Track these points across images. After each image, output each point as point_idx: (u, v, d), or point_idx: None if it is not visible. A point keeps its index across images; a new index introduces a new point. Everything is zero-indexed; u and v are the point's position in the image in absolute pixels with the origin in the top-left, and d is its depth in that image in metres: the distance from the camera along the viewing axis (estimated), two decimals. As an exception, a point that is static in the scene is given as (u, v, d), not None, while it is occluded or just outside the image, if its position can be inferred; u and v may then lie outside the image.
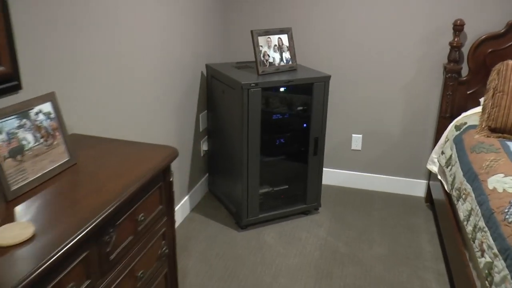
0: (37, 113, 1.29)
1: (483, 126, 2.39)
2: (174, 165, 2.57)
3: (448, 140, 2.58)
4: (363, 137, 3.14)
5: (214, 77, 2.74)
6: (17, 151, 1.21)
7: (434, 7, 2.76)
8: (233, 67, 2.73)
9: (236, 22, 3.09)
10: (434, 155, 2.76)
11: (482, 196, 1.86)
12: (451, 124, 2.66)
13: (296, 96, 2.62)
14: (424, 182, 3.11)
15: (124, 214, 1.26)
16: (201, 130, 2.94)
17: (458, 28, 2.65)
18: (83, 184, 1.29)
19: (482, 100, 2.58)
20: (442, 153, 2.60)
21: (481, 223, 1.76)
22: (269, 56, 2.56)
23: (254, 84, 2.37)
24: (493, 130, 2.36)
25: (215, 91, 2.77)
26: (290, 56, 2.66)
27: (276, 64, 2.60)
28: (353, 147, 3.18)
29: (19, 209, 1.14)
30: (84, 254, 1.10)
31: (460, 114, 2.71)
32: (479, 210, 1.82)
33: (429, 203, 3.04)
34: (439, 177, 2.63)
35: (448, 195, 2.42)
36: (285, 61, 2.64)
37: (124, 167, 1.38)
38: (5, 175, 1.16)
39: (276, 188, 2.75)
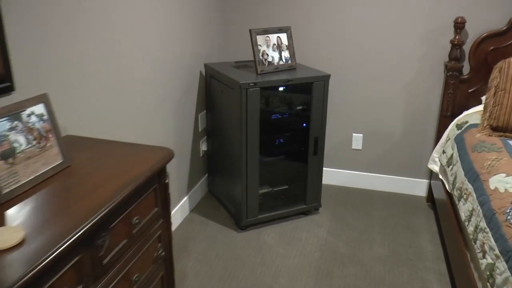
0: (29, 115, 1.28)
1: (484, 125, 2.36)
2: (172, 166, 2.58)
3: (449, 139, 2.55)
4: (363, 137, 3.11)
5: (213, 77, 2.72)
6: (9, 154, 1.19)
7: (434, 4, 2.73)
8: (232, 66, 2.70)
9: (235, 21, 3.06)
10: (435, 154, 2.73)
11: (483, 196, 1.83)
12: (452, 123, 2.63)
13: (295, 95, 2.60)
14: (425, 181, 3.08)
15: (118, 217, 1.24)
16: (200, 130, 2.92)
17: (459, 26, 2.62)
18: (76, 187, 1.27)
19: (483, 98, 2.55)
20: (443, 152, 2.57)
21: (483, 224, 1.73)
22: (268, 55, 2.54)
23: (252, 84, 2.35)
24: (494, 129, 2.33)
25: (214, 90, 2.75)
26: (289, 55, 2.64)
27: (275, 63, 2.57)
28: (354, 146, 3.15)
29: (10, 212, 1.12)
30: (76, 259, 1.08)
31: (461, 113, 2.68)
32: (481, 210, 1.79)
33: (430, 203, 3.01)
34: (440, 176, 2.61)
35: (449, 195, 2.39)
36: (284, 60, 2.61)
37: (119, 169, 1.36)
38: (-4, 178, 1.14)
39: (275, 189, 2.72)
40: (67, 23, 1.63)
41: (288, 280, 2.25)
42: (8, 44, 1.36)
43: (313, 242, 2.57)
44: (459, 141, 2.39)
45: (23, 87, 1.43)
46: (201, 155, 2.98)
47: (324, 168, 2.96)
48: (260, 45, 2.50)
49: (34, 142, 1.28)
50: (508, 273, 1.43)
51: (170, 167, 2.52)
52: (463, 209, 2.01)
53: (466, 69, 2.74)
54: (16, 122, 1.23)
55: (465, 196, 2.03)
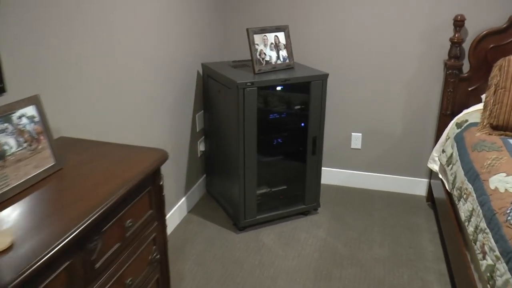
0: (20, 117, 1.25)
1: (484, 123, 2.33)
2: (170, 166, 2.56)
3: (449, 138, 2.53)
4: (362, 136, 3.09)
5: (210, 77, 2.70)
6: (-1, 157, 1.17)
7: (434, 3, 2.70)
8: (229, 66, 2.68)
9: (233, 21, 3.04)
10: (434, 153, 2.71)
11: (483, 196, 1.81)
12: (452, 122, 2.61)
13: (293, 95, 2.57)
14: (425, 180, 3.06)
15: (110, 221, 1.22)
16: (197, 130, 2.90)
17: (458, 23, 2.59)
18: (68, 190, 1.25)
19: (483, 96, 2.52)
20: (443, 151, 2.55)
21: (483, 224, 1.71)
22: (265, 54, 2.51)
23: (250, 83, 2.32)
24: (495, 128, 2.30)
25: (211, 90, 2.73)
26: (287, 54, 2.61)
27: (273, 63, 2.55)
28: (353, 146, 3.13)
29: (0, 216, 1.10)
30: (67, 263, 1.06)
31: (461, 112, 2.65)
32: (481, 210, 1.77)
33: (430, 202, 2.99)
34: (440, 176, 2.58)
35: (449, 194, 2.37)
36: (282, 60, 2.59)
37: (112, 171, 1.34)
38: (-15, 181, 1.12)
39: (274, 189, 2.70)
40: (62, 23, 1.61)
41: (287, 282, 2.23)
42: (-2, 44, 1.34)
43: (312, 243, 2.55)
44: (459, 140, 2.36)
45: (15, 88, 1.41)
46: (199, 155, 2.96)
47: (323, 168, 2.94)
48: (257, 44, 2.48)
49: (25, 145, 1.26)
50: (508, 275, 1.41)
51: (167, 168, 2.53)
52: (463, 209, 1.99)
53: (466, 67, 2.71)
54: (6, 125, 1.21)
55: (465, 196, 2.00)
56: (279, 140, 2.62)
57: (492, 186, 1.80)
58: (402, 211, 2.90)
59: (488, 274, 1.56)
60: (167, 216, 2.55)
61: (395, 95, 2.95)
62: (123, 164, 1.39)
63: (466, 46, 2.68)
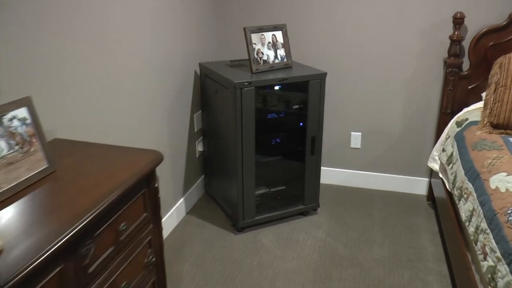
0: (11, 119, 1.23)
1: (485, 122, 2.31)
2: (167, 167, 2.54)
3: (449, 137, 2.50)
4: (362, 135, 3.07)
5: (208, 76, 2.68)
6: (-11, 160, 1.15)
7: (433, 0, 2.67)
8: (227, 65, 2.66)
9: (231, 20, 3.01)
10: (435, 152, 2.68)
11: (484, 196, 1.78)
12: (452, 120, 2.58)
13: (291, 94, 2.55)
14: (425, 180, 3.03)
15: (103, 225, 1.20)
16: (195, 130, 2.87)
17: (458, 21, 2.56)
18: (60, 193, 1.23)
19: (484, 95, 2.50)
20: (443, 150, 2.52)
21: (483, 225, 1.68)
22: (262, 53, 2.49)
23: (247, 83, 2.30)
24: (495, 126, 2.28)
25: (209, 90, 2.70)
26: (285, 53, 2.59)
27: (271, 62, 2.52)
28: (352, 145, 3.10)
29: (-10, 221, 1.08)
30: (58, 268, 1.04)
31: (461, 110, 2.63)
32: (481, 210, 1.74)
33: (430, 202, 2.96)
34: (440, 175, 2.56)
35: (449, 194, 2.34)
36: (279, 59, 2.56)
37: (106, 173, 1.32)
38: (-25, 185, 1.10)
39: (273, 189, 2.68)
40: (57, 22, 1.59)
41: (286, 284, 2.21)
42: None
43: (311, 244, 2.52)
44: (459, 139, 2.34)
45: (8, 89, 1.39)
46: (197, 156, 2.94)
47: (322, 168, 2.92)
48: (254, 44, 2.45)
49: (17, 147, 1.23)
50: (510, 277, 1.39)
51: (165, 169, 2.51)
52: (464, 209, 1.96)
53: (465, 65, 2.69)
54: (-4, 127, 1.19)
55: (465, 196, 1.98)
56: (278, 140, 2.60)
57: (492, 186, 1.78)
58: (402, 211, 2.87)
59: (489, 276, 1.53)
60: (165, 218, 2.54)
61: (394, 93, 2.92)
62: (117, 166, 1.37)
63: (466, 44, 2.66)
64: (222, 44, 3.09)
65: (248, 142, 2.41)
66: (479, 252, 1.68)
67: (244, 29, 2.43)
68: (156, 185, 1.45)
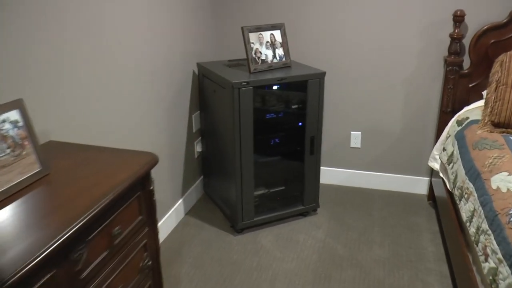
0: (2, 122, 1.21)
1: (486, 121, 2.28)
2: (166, 168, 2.52)
3: (449, 136, 2.48)
4: (362, 134, 3.04)
5: (206, 76, 2.65)
6: (-21, 164, 1.13)
7: (432, -3, 2.65)
8: (225, 65, 2.63)
9: (230, 19, 2.99)
10: (435, 151, 2.65)
11: (485, 196, 1.76)
12: (453, 119, 2.56)
13: (290, 94, 2.52)
14: (426, 179, 3.01)
15: (96, 229, 1.17)
16: (194, 131, 2.85)
17: (458, 19, 2.54)
18: (53, 196, 1.21)
19: (484, 93, 2.47)
20: (444, 149, 2.49)
21: (484, 226, 1.66)
22: (261, 53, 2.46)
23: (245, 83, 2.28)
24: (496, 125, 2.25)
25: (207, 90, 2.68)
26: (284, 52, 2.56)
27: (269, 61, 2.50)
28: (352, 144, 3.08)
29: (-20, 226, 1.06)
30: (49, 275, 1.02)
31: (462, 109, 2.60)
32: (482, 211, 1.72)
33: (431, 201, 2.94)
34: (441, 174, 2.53)
35: (450, 194, 2.31)
36: (278, 58, 2.54)
37: (100, 177, 1.29)
38: (-35, 190, 1.08)
39: (272, 190, 2.66)
40: (51, 22, 1.56)
41: (285, 285, 2.19)
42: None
43: (311, 245, 2.50)
44: (459, 138, 2.31)
45: (2, 91, 1.37)
46: (196, 156, 2.92)
47: (322, 167, 2.90)
48: (252, 43, 2.43)
49: (8, 151, 1.21)
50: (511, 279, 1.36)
51: (163, 170, 2.49)
52: (464, 209, 1.94)
53: (466, 63, 2.66)
54: (-13, 130, 1.17)
55: (466, 196, 1.95)
56: (277, 140, 2.57)
57: (493, 186, 1.75)
58: (403, 211, 2.85)
59: (491, 277, 1.51)
60: (164, 219, 2.52)
61: (394, 92, 2.89)
62: (111, 169, 1.34)
63: (466, 42, 2.63)
64: (220, 43, 3.06)
65: (247, 142, 2.39)
66: (480, 253, 1.65)
67: (242, 28, 2.41)
68: (151, 187, 1.43)
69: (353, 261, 2.37)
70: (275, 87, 2.46)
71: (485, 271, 1.57)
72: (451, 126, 2.52)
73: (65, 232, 1.03)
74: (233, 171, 2.45)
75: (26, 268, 0.92)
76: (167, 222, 2.57)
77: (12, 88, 1.43)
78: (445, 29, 2.65)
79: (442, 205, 2.54)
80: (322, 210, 2.83)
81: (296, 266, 2.32)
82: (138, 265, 1.41)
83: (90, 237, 1.15)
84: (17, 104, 1.27)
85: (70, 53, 1.69)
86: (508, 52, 2.30)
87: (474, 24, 2.60)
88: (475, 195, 1.84)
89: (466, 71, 2.65)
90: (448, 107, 2.70)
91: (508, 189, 1.69)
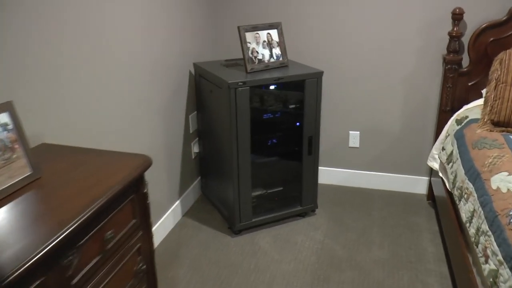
0: (-9, 125, 1.19)
1: (485, 119, 2.26)
2: (162, 170, 2.49)
3: (448, 135, 2.45)
4: (360, 134, 3.01)
5: (202, 76, 2.63)
6: (-33, 168, 1.10)
7: (431, -5, 2.62)
8: (221, 65, 2.61)
9: (226, 18, 2.96)
10: (434, 151, 2.63)
11: (485, 196, 1.73)
12: (452, 118, 2.53)
13: (287, 93, 2.50)
14: (425, 178, 2.98)
15: (88, 234, 1.15)
16: (191, 131, 2.83)
17: (457, 17, 2.51)
18: (44, 201, 1.18)
19: (484, 91, 2.45)
20: (443, 149, 2.47)
21: (484, 226, 1.63)
22: (257, 52, 2.44)
23: (241, 83, 2.25)
24: (496, 124, 2.22)
25: (204, 91, 2.66)
26: (281, 52, 2.54)
27: (266, 61, 2.47)
28: (351, 144, 3.05)
29: (-33, 232, 1.04)
30: (39, 281, 0.99)
31: (461, 107, 2.57)
32: (482, 212, 1.70)
33: (431, 201, 2.91)
34: (440, 174, 2.51)
35: (449, 194, 2.29)
36: (275, 58, 2.51)
37: (92, 180, 1.27)
38: (-48, 195, 1.05)
39: (270, 190, 2.63)
40: (43, 22, 1.54)
41: (283, 287, 2.17)
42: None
43: (309, 246, 2.48)
44: (459, 137, 2.28)
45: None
46: (193, 157, 2.89)
47: (320, 167, 2.88)
48: (249, 43, 2.40)
49: (-3, 154, 1.19)
50: (512, 281, 1.34)
51: (160, 171, 2.46)
52: (464, 209, 1.91)
53: (465, 61, 2.63)
54: (-25, 133, 1.14)
55: (465, 196, 1.93)
56: (274, 140, 2.55)
57: (493, 186, 1.73)
58: (402, 211, 2.82)
59: (491, 279, 1.49)
60: (161, 220, 2.50)
61: (393, 91, 2.87)
62: (104, 172, 1.32)
63: (465, 40, 2.60)
64: (217, 43, 3.04)
65: (244, 142, 2.37)
66: (480, 255, 1.63)
67: (238, 27, 2.38)
68: (145, 190, 1.41)
69: (352, 262, 2.34)
70: (272, 87, 2.43)
71: (486, 273, 1.54)
72: (450, 125, 2.50)
73: (55, 237, 1.01)
74: (230, 172, 2.42)
75: (15, 275, 0.90)
76: (164, 224, 2.55)
77: (3, 90, 1.40)
78: (444, 27, 2.62)
79: (441, 205, 2.51)
80: (320, 210, 2.81)
81: (294, 268, 2.30)
82: (132, 269, 1.39)
83: (81, 242, 1.13)
84: (7, 107, 1.24)
85: (64, 53, 1.66)
86: (507, 50, 2.28)
87: (473, 22, 2.57)
88: (475, 195, 1.82)
89: (465, 69, 2.62)
90: (447, 106, 2.67)
91: (508, 189, 1.66)
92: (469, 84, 2.64)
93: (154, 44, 2.32)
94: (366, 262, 2.34)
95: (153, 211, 2.37)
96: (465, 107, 2.54)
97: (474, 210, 1.78)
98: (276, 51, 2.52)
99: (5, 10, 1.39)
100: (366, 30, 2.78)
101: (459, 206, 2.01)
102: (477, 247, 1.67)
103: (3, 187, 1.18)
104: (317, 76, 2.44)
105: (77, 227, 1.07)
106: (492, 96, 2.27)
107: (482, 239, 1.64)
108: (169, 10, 2.46)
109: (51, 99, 1.62)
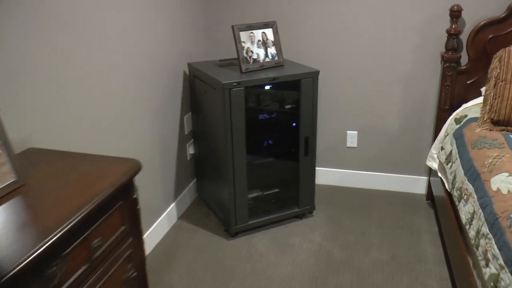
0: (-28, 130, 1.14)
1: (485, 118, 2.21)
2: (157, 172, 2.45)
3: (447, 134, 2.41)
4: (358, 134, 2.97)
5: (196, 77, 2.58)
6: None
7: (428, -8, 2.58)
8: (216, 65, 2.56)
9: (221, 17, 2.92)
10: (433, 150, 2.59)
11: (485, 198, 1.69)
12: (451, 117, 2.49)
13: (283, 93, 2.46)
14: (424, 178, 2.94)
15: (74, 242, 1.11)
16: (186, 133, 2.78)
17: (455, 14, 2.47)
18: (28, 209, 1.14)
19: (483, 90, 2.40)
20: (442, 148, 2.43)
21: (485, 229, 1.59)
22: (252, 52, 2.39)
23: (236, 83, 2.21)
24: (496, 123, 2.18)
25: (198, 91, 2.61)
26: (276, 51, 2.49)
27: (261, 61, 2.43)
28: (349, 144, 3.01)
29: None
30: (20, 294, 0.95)
31: (460, 106, 2.53)
32: (482, 213, 1.65)
33: (430, 201, 2.87)
34: (439, 174, 2.47)
35: (449, 194, 2.25)
36: (270, 57, 2.47)
37: (78, 186, 1.23)
38: None
39: (266, 192, 2.59)
40: (30, 24, 1.49)
41: (280, 291, 2.13)
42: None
43: (307, 248, 2.44)
44: (458, 136, 2.24)
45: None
46: (188, 158, 2.85)
47: (318, 168, 2.84)
48: (243, 42, 2.36)
49: (-21, 160, 1.15)
50: (514, 287, 1.30)
51: (155, 173, 2.42)
52: (464, 211, 1.87)
53: (464, 59, 2.59)
54: (-45, 139, 1.10)
55: (465, 197, 1.89)
56: (270, 141, 2.51)
57: (494, 187, 1.69)
58: (401, 211, 2.78)
59: (492, 284, 1.44)
60: (156, 224, 2.46)
61: (390, 90, 2.83)
62: (90, 178, 1.28)
63: (464, 37, 2.56)
64: (212, 43, 2.99)
65: (239, 144, 2.32)
66: (481, 258, 1.59)
67: (233, 27, 2.34)
68: (134, 196, 1.37)
69: (350, 264, 2.30)
70: (267, 87, 2.39)
71: (486, 277, 1.50)
72: (449, 124, 2.45)
73: (38, 247, 0.97)
74: (226, 173, 2.38)
75: (-7, 289, 0.86)
76: (159, 227, 2.50)
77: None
78: (442, 24, 2.58)
79: (441, 206, 2.47)
80: (318, 212, 2.77)
81: (291, 271, 2.26)
82: (122, 277, 1.35)
83: (67, 251, 1.09)
84: (-11, 111, 1.20)
85: (53, 55, 1.62)
86: (507, 48, 2.24)
87: (471, 19, 2.53)
88: (475, 196, 1.78)
89: (464, 67, 2.58)
90: (446, 105, 2.63)
91: (509, 190, 1.62)
92: (468, 82, 2.60)
93: (147, 44, 2.27)
94: (365, 264, 2.30)
95: (147, 214, 2.36)
96: (464, 105, 2.50)
97: (474, 211, 1.74)
98: (271, 50, 2.47)
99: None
100: (363, 28, 2.74)
101: (458, 207, 1.96)
102: (477, 250, 1.63)
103: (-15, 195, 1.14)
104: (313, 75, 2.40)
105: (62, 235, 1.03)
106: (492, 94, 2.22)
107: (482, 241, 1.60)
108: (163, 9, 2.41)
109: (39, 102, 1.57)
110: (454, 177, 2.10)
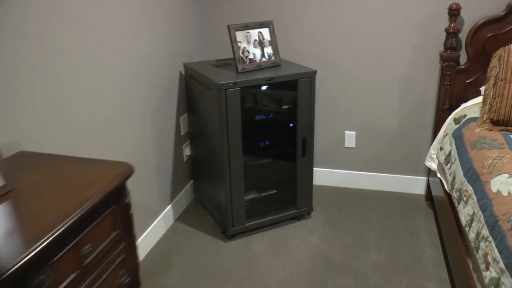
0: (-43, 135, 1.11)
1: (484, 118, 2.19)
2: (153, 174, 2.42)
3: (446, 134, 2.38)
4: (356, 134, 2.94)
5: (192, 77, 2.55)
6: None
7: (427, -10, 2.54)
8: (212, 65, 2.53)
9: (218, 17, 2.88)
10: (432, 151, 2.56)
11: (485, 199, 1.66)
12: (450, 117, 2.46)
13: (280, 94, 2.42)
14: (423, 178, 2.91)
15: (63, 249, 1.07)
16: (182, 134, 2.75)
17: (454, 13, 2.44)
18: (15, 215, 1.11)
19: (482, 89, 2.38)
20: (441, 149, 2.40)
21: (485, 232, 1.56)
22: (249, 52, 2.36)
23: (232, 84, 2.18)
24: (495, 123, 2.15)
25: (194, 92, 2.58)
26: (273, 51, 2.46)
27: (257, 61, 2.40)
28: (347, 144, 2.98)
29: None
30: (6, 304, 0.92)
31: (459, 106, 2.50)
32: (482, 216, 1.63)
33: (429, 201, 2.85)
34: (438, 175, 2.44)
35: (448, 195, 2.22)
36: (267, 57, 2.44)
37: (68, 192, 1.19)
38: None
39: (263, 194, 2.56)
40: (21, 23, 1.45)
41: (278, 294, 2.10)
42: None
43: (304, 251, 2.41)
44: (457, 136, 2.21)
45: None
46: (185, 160, 2.82)
47: (316, 168, 2.81)
48: (240, 42, 2.33)
49: (-35, 165, 1.11)
50: (515, 291, 1.27)
51: (151, 175, 2.39)
52: (463, 212, 1.84)
53: (463, 58, 2.56)
54: None
55: (465, 199, 1.86)
56: (267, 142, 2.47)
57: (494, 189, 1.66)
58: (400, 212, 2.76)
59: (492, 288, 1.42)
60: (152, 226, 2.43)
61: (389, 90, 2.80)
62: (81, 183, 1.24)
63: (463, 36, 2.53)
64: (208, 43, 2.96)
65: (235, 145, 2.29)
66: (481, 261, 1.56)
67: (228, 27, 2.31)
68: (127, 200, 1.33)
69: (349, 267, 2.27)
70: (264, 87, 2.36)
71: (487, 280, 1.47)
72: (448, 124, 2.43)
73: (24, 255, 0.94)
74: (222, 175, 2.35)
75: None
76: (155, 230, 2.47)
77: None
78: (441, 23, 2.55)
79: (440, 207, 2.44)
80: (316, 213, 2.74)
81: (289, 274, 2.23)
82: (114, 283, 1.32)
83: (55, 259, 1.05)
84: (-24, 114, 1.17)
85: (45, 55, 1.58)
86: (506, 46, 2.21)
87: (470, 18, 2.50)
88: (475, 198, 1.75)
89: (463, 66, 2.55)
90: (445, 104, 2.60)
91: (509, 192, 1.59)
92: (467, 81, 2.57)
93: (143, 44, 2.24)
94: (364, 267, 2.27)
95: (143, 216, 2.33)
96: (464, 105, 2.47)
97: (474, 213, 1.72)
98: (268, 50, 2.44)
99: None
100: (361, 28, 2.71)
101: (458, 209, 1.94)
102: (477, 252, 1.61)
103: (-28, 201, 1.10)
104: (310, 75, 2.37)
105: (50, 242, 1.00)
106: (491, 94, 2.20)
107: (482, 244, 1.57)
108: (159, 9, 2.38)
109: (30, 104, 1.54)
110: (454, 178, 2.07)
